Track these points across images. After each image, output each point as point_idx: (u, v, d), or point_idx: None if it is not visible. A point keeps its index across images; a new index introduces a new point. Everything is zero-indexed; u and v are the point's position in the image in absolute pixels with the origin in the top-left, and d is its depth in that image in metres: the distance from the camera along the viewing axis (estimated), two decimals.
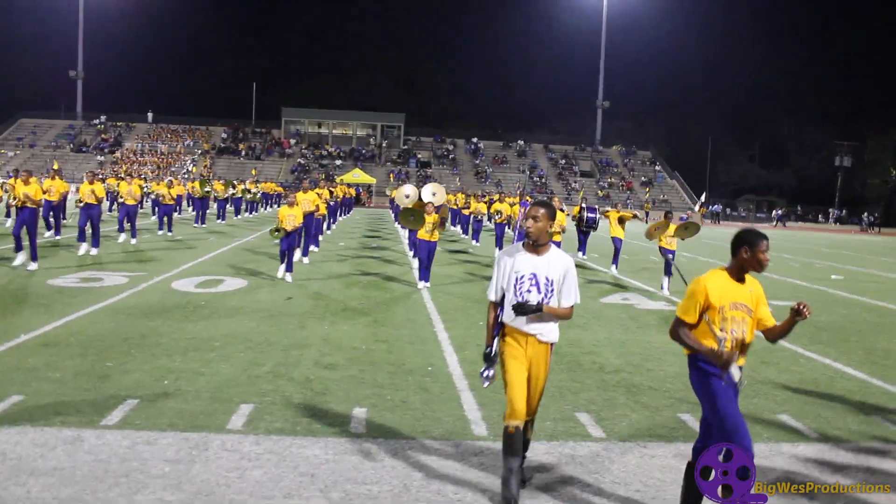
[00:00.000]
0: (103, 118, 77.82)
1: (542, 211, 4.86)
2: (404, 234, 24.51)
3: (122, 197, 20.83)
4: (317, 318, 10.96)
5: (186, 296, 12.30)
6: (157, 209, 26.31)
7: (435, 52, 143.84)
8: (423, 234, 14.30)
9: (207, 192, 29.59)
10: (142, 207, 27.33)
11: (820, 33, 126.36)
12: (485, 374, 4.95)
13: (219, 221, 31.25)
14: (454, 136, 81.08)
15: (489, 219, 32.63)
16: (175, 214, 27.05)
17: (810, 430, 6.62)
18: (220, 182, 34.98)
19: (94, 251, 17.40)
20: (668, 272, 15.37)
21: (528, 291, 4.84)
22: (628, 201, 64.13)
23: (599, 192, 69.16)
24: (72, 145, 72.50)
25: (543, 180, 72.08)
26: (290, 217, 14.74)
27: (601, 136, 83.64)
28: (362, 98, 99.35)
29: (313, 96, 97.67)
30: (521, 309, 4.72)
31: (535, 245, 4.88)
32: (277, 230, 14.49)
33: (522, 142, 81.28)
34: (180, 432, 5.86)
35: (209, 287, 13.28)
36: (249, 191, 36.96)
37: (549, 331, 4.92)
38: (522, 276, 4.86)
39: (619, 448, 5.99)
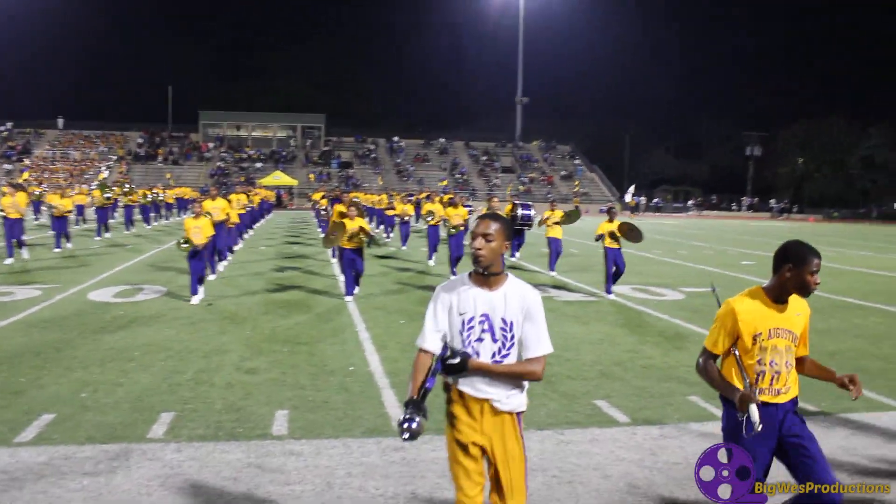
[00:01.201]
0: (9, 125, 75.00)
1: (494, 226, 3.46)
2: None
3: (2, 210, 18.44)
4: (237, 323, 10.90)
5: (104, 306, 12.07)
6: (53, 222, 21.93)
7: (355, 52, 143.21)
8: (343, 241, 12.92)
9: (108, 199, 27.09)
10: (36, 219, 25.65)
11: (734, 29, 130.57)
12: (405, 425, 3.31)
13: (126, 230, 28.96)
14: (375, 135, 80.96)
15: (417, 220, 31.92)
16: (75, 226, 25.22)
17: (718, 410, 6.94)
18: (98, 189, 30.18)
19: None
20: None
21: (480, 340, 3.47)
22: (549, 195, 65.07)
23: (521, 187, 69.97)
24: None
25: (465, 177, 72.54)
26: (196, 230, 12.72)
27: (522, 132, 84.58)
28: (283, 100, 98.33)
29: (232, 99, 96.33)
30: (448, 367, 3.38)
31: (486, 275, 3.47)
32: (185, 242, 12.59)
33: (444, 139, 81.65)
34: (99, 444, 5.81)
35: (128, 297, 13.05)
36: (157, 194, 36.40)
37: (508, 395, 3.50)
38: (472, 319, 3.45)
39: (538, 436, 6.18)
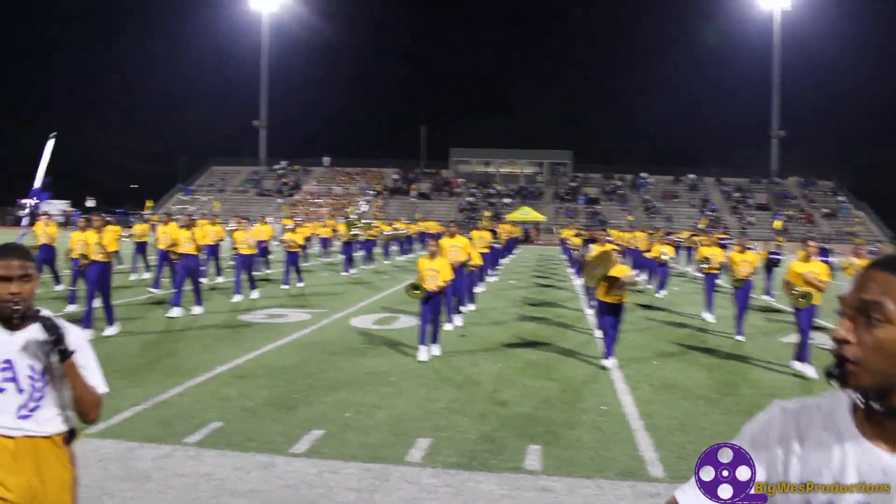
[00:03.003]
0: (284, 163, 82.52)
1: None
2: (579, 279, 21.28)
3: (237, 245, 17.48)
4: (490, 354, 11.12)
5: (364, 332, 12.80)
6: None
7: (601, 87, 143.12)
8: (601, 293, 10.62)
9: (354, 235, 26.00)
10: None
11: None
12: None
13: (362, 266, 26.90)
14: (622, 171, 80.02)
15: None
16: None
17: None
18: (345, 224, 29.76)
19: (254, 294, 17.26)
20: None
21: None
22: (809, 233, 60.78)
23: (777, 224, 65.98)
24: (256, 190, 77.22)
25: (716, 214, 69.65)
26: (432, 273, 10.84)
27: (778, 166, 79.95)
28: (530, 136, 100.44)
29: (481, 136, 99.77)
30: None
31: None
32: (416, 288, 10.75)
33: (693, 175, 79.04)
34: (362, 462, 6.12)
35: (386, 324, 13.73)
36: (398, 229, 34.66)
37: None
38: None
39: None
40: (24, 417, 2.88)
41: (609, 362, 10.37)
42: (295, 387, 8.67)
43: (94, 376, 3.01)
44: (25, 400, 2.89)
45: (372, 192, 76.15)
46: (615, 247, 12.62)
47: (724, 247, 15.03)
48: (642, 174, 78.94)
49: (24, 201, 65.19)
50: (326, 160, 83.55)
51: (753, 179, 78.47)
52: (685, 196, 75.47)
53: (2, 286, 2.81)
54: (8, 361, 2.88)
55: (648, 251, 22.50)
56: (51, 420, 2.93)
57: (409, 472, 5.96)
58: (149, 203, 25.16)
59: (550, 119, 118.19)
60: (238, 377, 9.10)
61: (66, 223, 50.79)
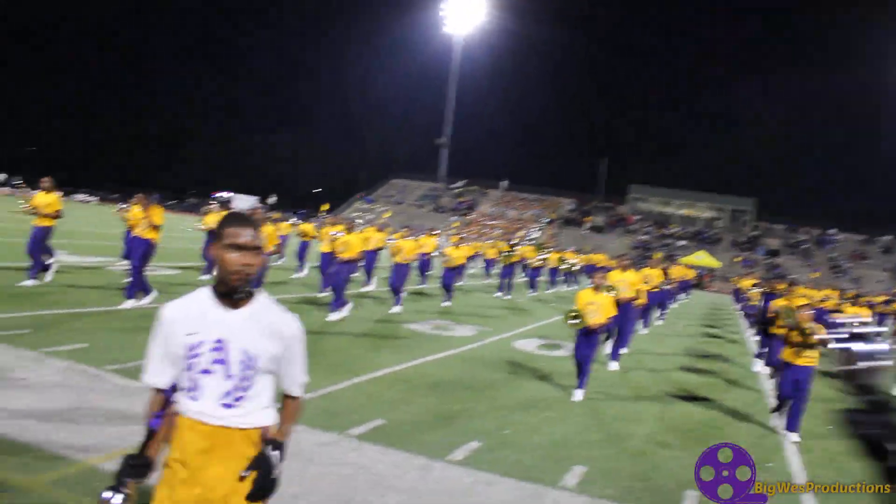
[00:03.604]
0: (462, 183, 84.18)
1: None
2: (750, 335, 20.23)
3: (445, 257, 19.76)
4: (650, 396, 10.91)
5: (528, 355, 12.88)
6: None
7: (789, 134, 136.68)
8: (788, 354, 9.28)
9: (512, 258, 25.13)
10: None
11: None
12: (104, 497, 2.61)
13: (529, 293, 26.43)
14: (809, 225, 75.99)
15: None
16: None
17: None
18: (531, 246, 30.59)
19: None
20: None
21: None
22: None
23: None
24: (433, 206, 79.19)
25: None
26: (593, 307, 9.88)
27: None
28: (712, 179, 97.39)
29: (662, 174, 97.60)
30: None
31: None
32: (576, 317, 9.86)
33: (890, 237, 73.83)
34: (517, 480, 6.20)
35: (549, 350, 13.75)
36: (564, 260, 32.59)
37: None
38: None
39: None
40: (227, 406, 2.68)
41: (793, 437, 9.02)
42: (456, 398, 8.87)
43: (300, 370, 2.91)
44: (232, 387, 2.67)
45: (545, 219, 76.25)
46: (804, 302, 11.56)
47: None
48: (830, 230, 74.64)
49: (219, 195, 70.08)
50: (504, 184, 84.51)
51: None
52: (877, 259, 70.63)
53: (234, 255, 2.65)
54: (220, 342, 2.66)
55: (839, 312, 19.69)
56: (253, 413, 2.72)
57: (562, 497, 5.98)
58: (324, 207, 26.16)
59: (736, 162, 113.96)
60: (402, 381, 9.41)
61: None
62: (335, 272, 14.46)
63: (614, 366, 12.68)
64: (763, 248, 70.78)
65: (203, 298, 2.73)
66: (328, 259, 16.71)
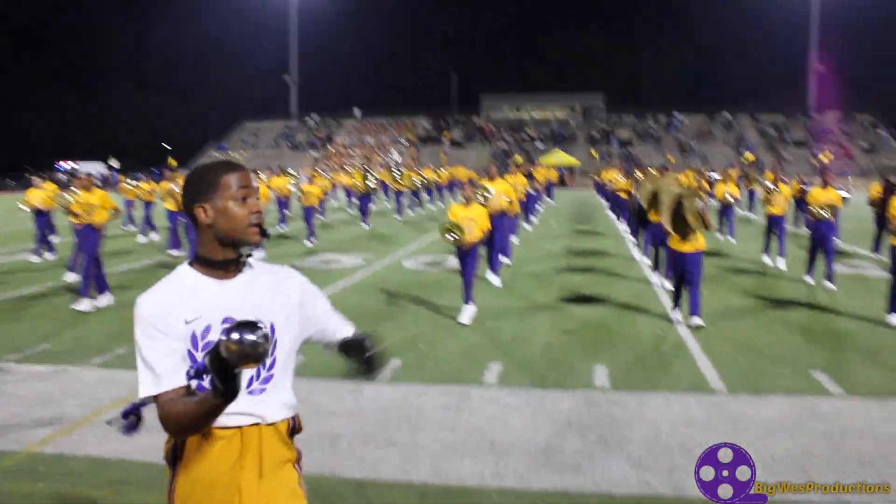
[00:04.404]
0: (315, 117, 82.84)
1: None
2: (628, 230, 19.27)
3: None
4: (544, 288, 11.53)
5: (419, 273, 13.26)
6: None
7: (632, 28, 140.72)
8: (674, 242, 9.10)
9: (372, 186, 24.10)
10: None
11: None
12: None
13: (397, 217, 25.60)
14: (655, 111, 79.21)
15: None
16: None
17: None
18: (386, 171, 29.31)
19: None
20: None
21: None
22: (846, 171, 60.05)
23: (814, 161, 65.25)
24: (288, 144, 77.74)
25: (745, 154, 68.91)
26: (468, 222, 9.43)
27: (816, 101, 78.68)
28: (562, 80, 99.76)
29: (512, 82, 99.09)
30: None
31: None
32: (451, 230, 9.26)
33: (727, 113, 78.06)
34: (444, 384, 6.61)
35: (435, 267, 14.13)
36: (423, 177, 31.32)
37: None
38: None
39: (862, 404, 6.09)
40: (255, 393, 2.22)
41: (698, 320, 8.89)
42: (364, 323, 9.05)
43: (336, 314, 2.56)
44: (254, 369, 2.17)
45: (405, 141, 76.32)
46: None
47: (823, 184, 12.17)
48: (675, 113, 78.15)
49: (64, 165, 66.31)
50: (357, 112, 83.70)
51: (790, 116, 77.34)
52: (720, 135, 74.70)
53: (247, 203, 2.24)
54: (228, 320, 2.15)
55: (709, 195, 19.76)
56: (279, 403, 2.29)
57: (488, 393, 6.43)
58: (172, 161, 24.52)
59: (582, 62, 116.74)
60: None
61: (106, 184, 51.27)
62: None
63: (495, 279, 12.17)
64: (616, 140, 73.44)
65: (186, 276, 2.24)
66: (175, 217, 15.94)
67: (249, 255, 2.31)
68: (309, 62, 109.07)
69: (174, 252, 16.09)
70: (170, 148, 75.67)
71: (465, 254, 9.48)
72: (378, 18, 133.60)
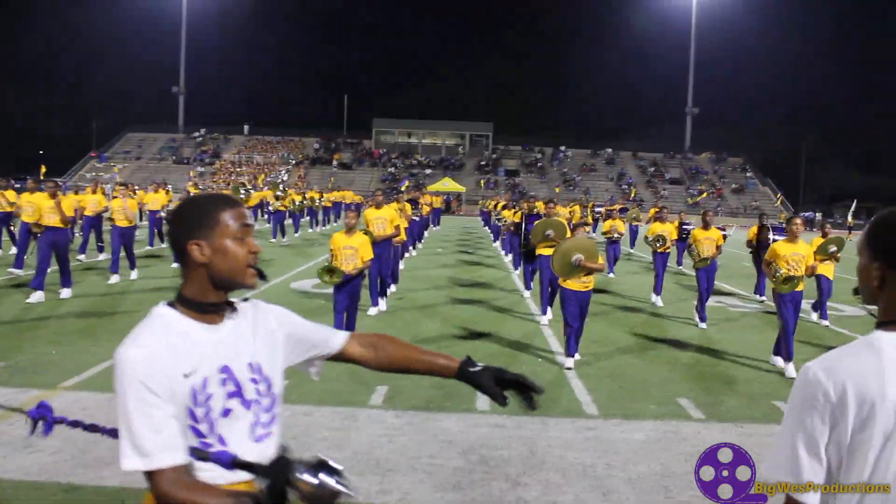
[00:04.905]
0: (203, 131, 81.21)
1: None
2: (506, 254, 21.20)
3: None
4: (428, 338, 11.82)
5: (306, 294, 13.35)
6: None
7: (523, 62, 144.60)
8: (571, 283, 8.88)
9: (248, 201, 23.67)
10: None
11: None
12: None
13: (282, 240, 24.88)
14: (542, 144, 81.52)
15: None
16: None
17: None
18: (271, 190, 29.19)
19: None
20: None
21: None
22: (719, 209, 63.39)
23: (689, 199, 68.55)
24: (174, 157, 75.84)
25: (632, 188, 71.86)
26: (349, 252, 9.10)
27: (691, 143, 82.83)
28: (452, 109, 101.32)
29: (404, 108, 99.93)
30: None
31: None
32: (330, 272, 9.01)
33: (611, 150, 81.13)
34: (332, 406, 6.78)
35: (324, 287, 14.14)
36: (311, 199, 31.50)
37: None
38: None
39: (719, 427, 6.62)
40: (261, 439, 2.04)
41: (571, 361, 8.84)
42: None
43: (320, 327, 2.40)
44: (254, 416, 2.03)
45: (293, 161, 75.73)
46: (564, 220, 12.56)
47: (706, 227, 12.68)
48: (561, 147, 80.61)
49: None
50: (247, 128, 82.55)
51: (668, 154, 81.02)
52: (602, 169, 77.48)
53: (244, 242, 2.06)
54: (225, 369, 1.99)
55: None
56: (275, 444, 2.09)
57: (374, 414, 6.64)
58: (43, 169, 23.42)
59: (473, 92, 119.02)
60: None
61: None
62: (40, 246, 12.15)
63: (379, 307, 12.08)
64: (503, 169, 75.04)
65: (173, 321, 1.99)
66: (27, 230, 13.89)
67: (246, 300, 2.17)
68: (200, 74, 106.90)
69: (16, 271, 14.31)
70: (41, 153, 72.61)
71: (343, 287, 9.06)
72: (272, 35, 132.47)
